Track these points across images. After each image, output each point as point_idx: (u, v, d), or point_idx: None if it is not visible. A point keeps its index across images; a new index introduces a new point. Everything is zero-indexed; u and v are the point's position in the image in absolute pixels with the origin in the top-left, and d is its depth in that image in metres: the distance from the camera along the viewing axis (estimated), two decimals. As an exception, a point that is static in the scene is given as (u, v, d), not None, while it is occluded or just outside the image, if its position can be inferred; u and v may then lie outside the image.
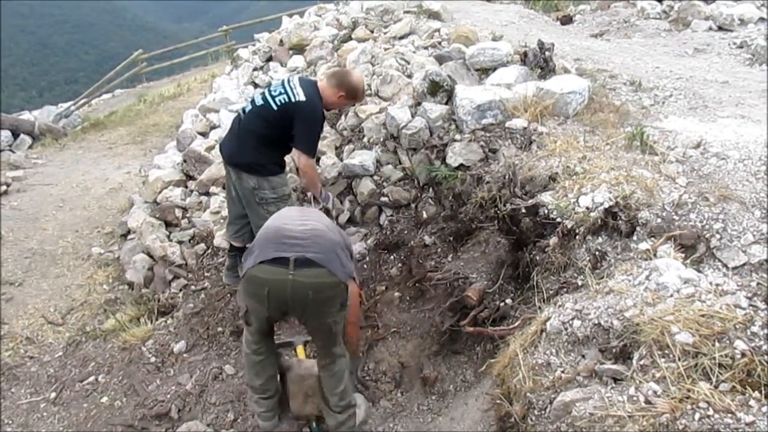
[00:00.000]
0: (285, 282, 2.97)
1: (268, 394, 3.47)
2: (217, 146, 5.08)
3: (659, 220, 2.98)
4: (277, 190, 4.09)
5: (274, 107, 3.96)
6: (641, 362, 2.14)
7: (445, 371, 3.80)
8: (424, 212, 4.49)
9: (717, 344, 2.05)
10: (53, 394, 4.14)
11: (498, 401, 2.60)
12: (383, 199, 4.70)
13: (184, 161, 6.60)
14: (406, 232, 4.52)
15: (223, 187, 6.04)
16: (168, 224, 5.79)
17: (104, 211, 6.96)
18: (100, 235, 6.46)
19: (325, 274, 3.02)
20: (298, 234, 3.08)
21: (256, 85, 7.84)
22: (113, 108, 13.23)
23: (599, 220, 3.11)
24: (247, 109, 4.15)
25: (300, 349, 4.05)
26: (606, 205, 3.13)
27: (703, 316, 2.15)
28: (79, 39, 58.53)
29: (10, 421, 3.92)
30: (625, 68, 5.24)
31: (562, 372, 2.32)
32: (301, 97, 3.92)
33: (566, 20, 7.81)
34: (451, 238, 4.22)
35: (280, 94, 3.98)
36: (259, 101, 4.07)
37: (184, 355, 4.30)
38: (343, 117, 5.42)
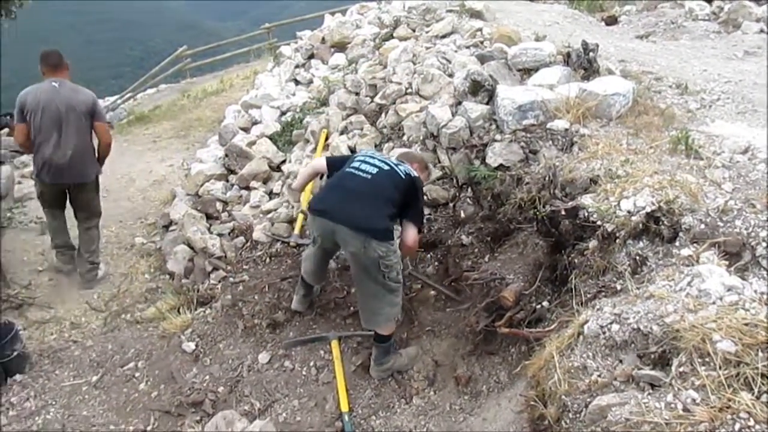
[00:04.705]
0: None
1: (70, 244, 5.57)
2: (306, 199, 4.71)
3: (703, 226, 2.92)
4: (397, 254, 3.77)
5: (402, 176, 3.76)
6: (680, 369, 2.10)
7: (478, 371, 3.79)
8: (462, 212, 4.48)
9: (760, 354, 2.00)
10: (95, 378, 4.23)
11: (532, 403, 2.58)
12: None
13: (226, 156, 6.73)
14: (443, 231, 4.52)
15: (264, 183, 6.13)
16: (209, 217, 5.91)
17: (147, 203, 7.13)
18: (143, 225, 6.62)
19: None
20: (61, 163, 5.05)
21: (297, 82, 7.94)
22: (158, 102, 13.52)
23: (641, 225, 3.06)
24: (369, 171, 3.76)
25: (335, 344, 4.10)
26: (648, 210, 3.08)
27: (746, 324, 2.10)
28: (124, 36, 59.87)
29: (54, 402, 4.03)
30: (672, 71, 5.14)
31: (599, 376, 2.29)
32: (413, 174, 3.87)
33: (611, 21, 7.70)
34: (489, 239, 4.20)
35: (398, 164, 3.85)
36: (383, 166, 3.79)
37: (220, 345, 4.37)
38: (383, 115, 5.44)
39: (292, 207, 5.46)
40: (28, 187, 7.32)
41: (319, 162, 4.15)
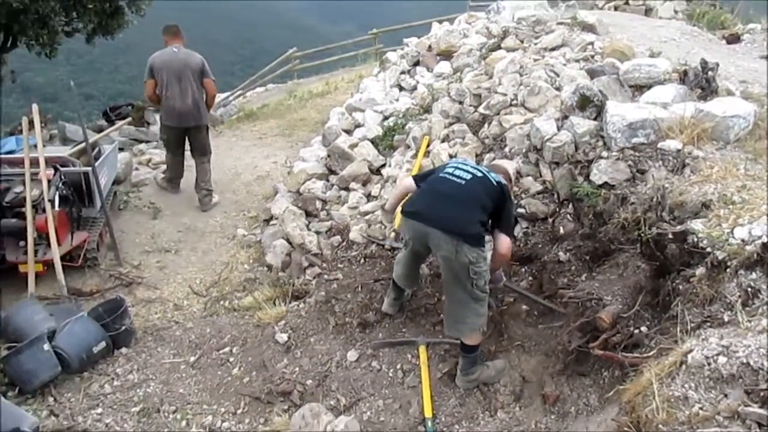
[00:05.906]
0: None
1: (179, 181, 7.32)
2: (399, 200, 4.32)
3: (826, 261, 2.73)
4: (487, 262, 3.73)
5: (494, 183, 3.72)
6: (793, 411, 1.99)
7: (567, 392, 3.70)
8: (561, 228, 4.39)
9: None
10: (192, 358, 4.46)
11: (625, 429, 2.51)
12: (520, 210, 4.64)
13: (328, 156, 6.92)
14: (540, 246, 4.45)
15: (363, 185, 6.25)
16: (308, 214, 6.10)
17: (251, 197, 7.44)
18: (245, 218, 6.91)
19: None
20: (183, 109, 6.58)
21: (401, 88, 8.02)
22: (265, 101, 14.00)
23: (755, 255, 2.90)
24: (462, 177, 3.74)
25: (422, 349, 4.12)
26: (765, 240, 2.92)
27: None
28: (238, 36, 62.51)
29: (154, 377, 4.30)
30: (799, 95, 4.82)
31: (701, 408, 2.20)
32: (504, 182, 3.82)
33: (733, 39, 7.30)
34: (587, 257, 4.10)
35: (490, 172, 3.81)
36: (476, 173, 3.77)
37: (311, 339, 4.49)
38: (486, 125, 5.42)
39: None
40: (144, 173, 7.82)
41: (408, 181, 4.13)
